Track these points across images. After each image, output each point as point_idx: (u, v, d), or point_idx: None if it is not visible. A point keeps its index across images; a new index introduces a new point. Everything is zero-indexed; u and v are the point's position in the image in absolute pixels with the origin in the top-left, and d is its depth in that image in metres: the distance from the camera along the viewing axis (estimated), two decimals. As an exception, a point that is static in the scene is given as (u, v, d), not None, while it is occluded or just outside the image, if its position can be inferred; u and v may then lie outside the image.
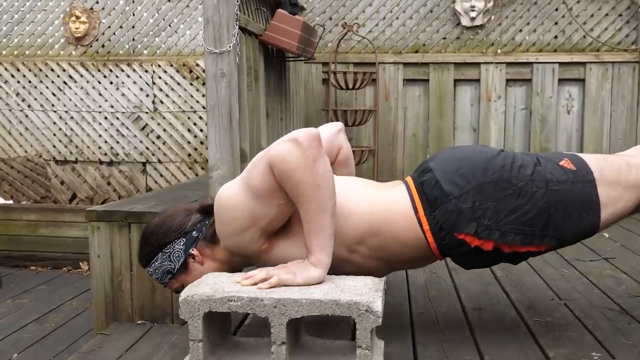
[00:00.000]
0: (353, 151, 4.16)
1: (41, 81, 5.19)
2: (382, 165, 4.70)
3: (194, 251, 1.78)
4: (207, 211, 1.83)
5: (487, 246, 1.67)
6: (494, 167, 1.68)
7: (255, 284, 1.58)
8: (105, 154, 5.16)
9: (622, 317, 2.04)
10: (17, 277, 4.49)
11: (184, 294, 1.56)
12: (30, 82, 5.20)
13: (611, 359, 1.69)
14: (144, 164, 5.13)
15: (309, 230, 1.60)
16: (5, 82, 5.23)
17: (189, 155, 5.04)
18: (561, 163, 1.71)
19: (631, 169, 1.71)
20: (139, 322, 2.72)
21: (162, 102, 5.05)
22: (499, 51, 4.56)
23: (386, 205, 1.74)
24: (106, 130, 5.14)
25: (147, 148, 5.09)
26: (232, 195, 1.68)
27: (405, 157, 4.73)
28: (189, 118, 5.02)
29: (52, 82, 5.18)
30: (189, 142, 5.04)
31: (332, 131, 2.11)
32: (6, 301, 3.87)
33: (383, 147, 4.69)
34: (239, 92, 2.60)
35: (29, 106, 5.23)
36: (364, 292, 1.52)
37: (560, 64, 4.48)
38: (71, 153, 5.21)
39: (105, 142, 5.15)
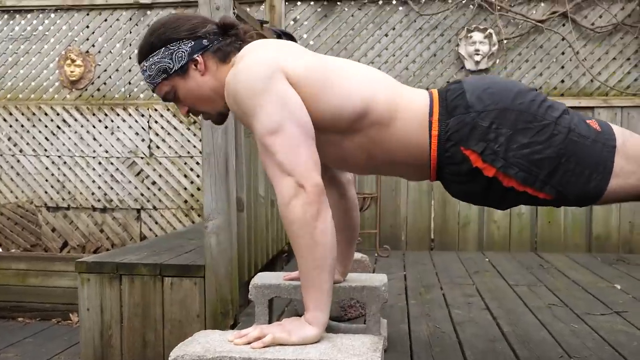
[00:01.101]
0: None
1: (34, 125, 5.07)
2: (385, 213, 4.54)
3: (198, 57, 1.64)
4: (226, 29, 1.69)
5: (488, 172, 1.57)
6: (524, 98, 1.59)
7: (249, 342, 1.42)
8: (99, 200, 5.01)
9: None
10: (3, 329, 4.28)
11: (173, 354, 1.39)
12: (22, 126, 5.08)
13: None
14: (138, 210, 4.96)
15: (304, 285, 1.48)
16: (-2, 126, 5.11)
17: (185, 201, 4.89)
18: (588, 121, 1.62)
19: None
20: (128, 383, 2.53)
21: (158, 147, 4.91)
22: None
23: (405, 98, 1.66)
24: (100, 175, 5.00)
25: (142, 194, 4.94)
26: (247, 90, 1.53)
27: (409, 203, 4.58)
28: (185, 163, 4.88)
29: (46, 126, 5.06)
30: (185, 188, 4.89)
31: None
32: (-11, 357, 3.66)
33: (386, 193, 4.54)
34: (236, 139, 2.46)
35: (20, 151, 5.10)
36: (362, 353, 1.36)
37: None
38: (63, 199, 5.05)
39: (99, 188, 5.00)
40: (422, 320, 2.56)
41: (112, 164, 4.98)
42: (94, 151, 5.00)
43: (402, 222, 4.58)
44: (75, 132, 5.02)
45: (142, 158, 4.94)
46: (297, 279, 1.64)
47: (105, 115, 4.98)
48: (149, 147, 4.92)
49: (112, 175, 4.98)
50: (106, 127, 4.98)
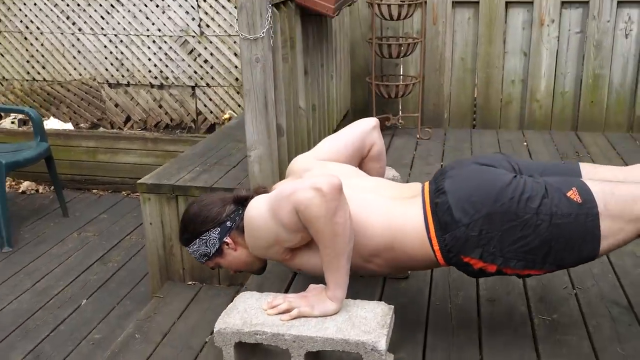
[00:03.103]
0: (397, 86, 4.13)
1: (89, 4, 5.23)
2: (428, 93, 4.65)
3: (227, 239, 1.96)
4: (241, 202, 1.99)
5: (491, 268, 1.80)
6: (503, 198, 1.74)
7: (279, 313, 1.74)
8: (155, 78, 5.27)
9: (625, 317, 2.12)
10: (81, 202, 4.82)
11: (217, 326, 1.74)
12: (79, 5, 5.25)
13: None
14: (193, 87, 5.22)
15: (327, 268, 1.75)
16: (55, 5, 5.28)
17: (237, 79, 5.09)
18: (568, 194, 1.74)
19: (636, 202, 1.72)
20: (190, 282, 2.96)
21: (208, 25, 5.04)
22: (555, -29, 4.30)
23: (401, 224, 1.84)
24: (155, 53, 5.21)
25: (196, 72, 5.16)
26: (260, 219, 1.83)
27: (452, 82, 4.66)
28: (235, 42, 5.01)
29: (100, 5, 5.21)
30: (235, 67, 5.07)
31: (366, 128, 2.23)
32: (72, 234, 4.19)
33: (429, 73, 4.62)
34: (274, 73, 2.62)
35: (79, 29, 5.31)
36: (372, 329, 1.67)
37: (621, -16, 4.21)
38: (123, 76, 5.34)
39: (155, 65, 5.24)
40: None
41: (165, 42, 5.16)
42: (148, 30, 5.17)
43: (446, 101, 4.69)
44: (129, 10, 5.16)
45: (193, 37, 5.09)
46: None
47: (156, -7, 5.08)
48: (199, 25, 5.05)
49: (166, 54, 5.18)
50: (157, 6, 5.10)
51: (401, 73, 4.64)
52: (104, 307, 3.28)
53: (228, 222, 1.96)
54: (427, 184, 1.93)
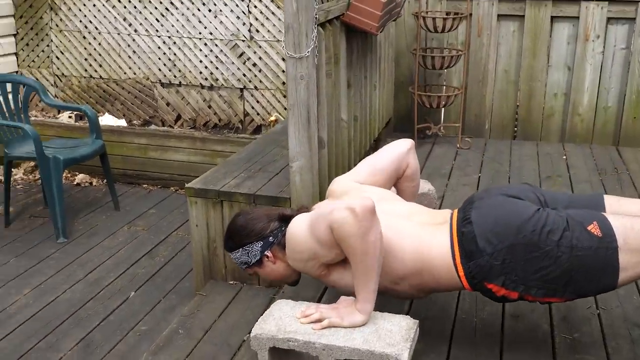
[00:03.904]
0: (439, 96, 4.23)
1: (145, 7, 5.45)
2: (470, 104, 4.73)
3: (268, 253, 2.14)
4: (285, 220, 2.15)
5: (513, 295, 1.92)
6: (525, 230, 1.85)
7: (312, 322, 1.89)
8: (206, 79, 5.46)
9: (645, 340, 2.20)
10: (131, 196, 5.05)
11: (254, 332, 1.89)
12: (135, 7, 5.47)
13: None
14: (241, 89, 5.40)
15: (357, 283, 1.90)
16: (113, 6, 5.53)
17: (283, 83, 5.25)
18: (589, 228, 1.83)
19: None
20: (231, 282, 3.13)
21: (257, 30, 5.20)
22: (602, -13, 4.33)
23: (429, 250, 1.98)
24: (206, 56, 5.41)
25: (244, 75, 5.34)
26: (300, 235, 2.00)
27: (495, 93, 4.73)
28: (283, 47, 5.16)
29: (156, 7, 5.43)
30: (283, 71, 5.23)
31: (402, 150, 2.37)
32: (123, 228, 4.42)
33: (472, 84, 4.69)
34: (318, 89, 2.76)
35: (135, 31, 5.54)
36: (397, 342, 1.80)
37: (670, 1, 4.21)
38: (175, 76, 5.55)
39: (206, 67, 5.43)
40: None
41: (216, 45, 5.35)
42: (200, 33, 5.37)
43: (487, 112, 4.76)
44: (182, 14, 5.37)
45: (243, 41, 5.26)
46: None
47: (209, -2, 5.28)
48: (249, 30, 5.22)
49: (216, 56, 5.37)
50: (210, 11, 5.29)
51: (444, 83, 4.73)
52: (150, 300, 3.47)
53: (271, 238, 2.12)
54: (455, 211, 2.06)
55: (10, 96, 4.58)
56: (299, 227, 2.01)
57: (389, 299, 2.33)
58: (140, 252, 4.05)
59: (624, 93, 4.48)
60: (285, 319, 1.92)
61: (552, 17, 4.47)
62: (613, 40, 4.43)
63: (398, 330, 1.85)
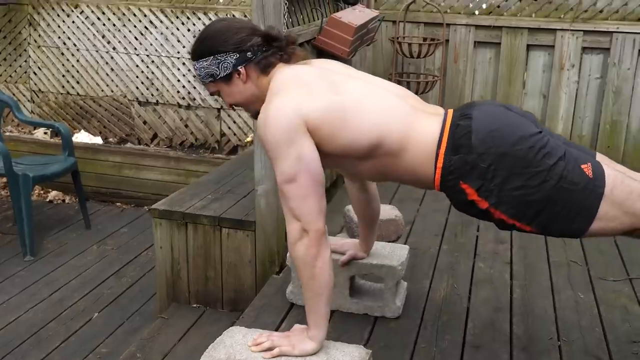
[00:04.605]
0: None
1: (124, 25, 5.44)
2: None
3: (241, 69, 1.90)
4: (269, 40, 1.94)
5: (482, 205, 1.81)
6: (524, 144, 1.76)
7: (262, 350, 1.84)
8: (183, 98, 5.44)
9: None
10: (104, 214, 4.99)
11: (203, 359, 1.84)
12: (114, 25, 5.46)
13: None
14: (218, 110, 5.38)
15: (307, 309, 1.86)
16: (92, 24, 5.51)
17: (261, 104, 5.23)
18: (583, 166, 1.78)
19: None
20: (195, 305, 3.07)
21: (236, 51, 5.20)
22: (577, 18, 4.36)
23: (416, 133, 1.85)
24: (184, 75, 5.39)
25: (222, 95, 5.32)
26: (272, 137, 1.81)
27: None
28: (261, 68, 5.16)
29: (135, 26, 5.41)
30: (260, 92, 5.22)
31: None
32: (92, 247, 4.36)
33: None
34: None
35: (113, 48, 5.53)
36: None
37: (643, 33, 4.25)
38: (152, 95, 5.53)
39: (183, 86, 5.42)
40: (444, 275, 2.90)
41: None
42: (178, 52, 5.36)
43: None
44: (161, 33, 5.36)
45: (221, 61, 5.26)
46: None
47: (188, 18, 5.27)
48: (228, 51, 5.22)
49: (194, 76, 5.35)
50: (189, 30, 5.29)
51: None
52: (113, 321, 3.41)
53: (249, 53, 1.90)
54: (450, 110, 1.94)
55: (-18, 111, 4.53)
56: (276, 129, 1.78)
57: (347, 327, 2.29)
58: (108, 272, 3.99)
59: (598, 122, 4.50)
60: (236, 347, 1.87)
61: (528, 46, 4.50)
62: (588, 69, 4.46)
63: (350, 361, 1.81)
